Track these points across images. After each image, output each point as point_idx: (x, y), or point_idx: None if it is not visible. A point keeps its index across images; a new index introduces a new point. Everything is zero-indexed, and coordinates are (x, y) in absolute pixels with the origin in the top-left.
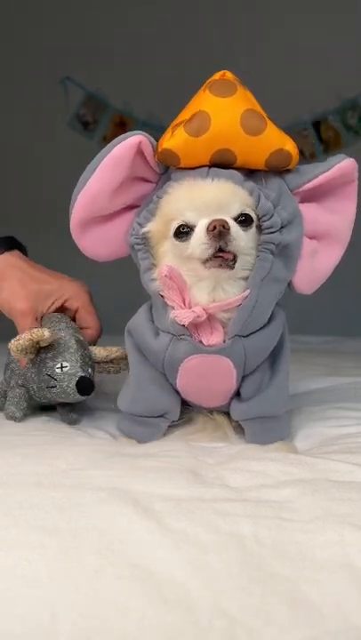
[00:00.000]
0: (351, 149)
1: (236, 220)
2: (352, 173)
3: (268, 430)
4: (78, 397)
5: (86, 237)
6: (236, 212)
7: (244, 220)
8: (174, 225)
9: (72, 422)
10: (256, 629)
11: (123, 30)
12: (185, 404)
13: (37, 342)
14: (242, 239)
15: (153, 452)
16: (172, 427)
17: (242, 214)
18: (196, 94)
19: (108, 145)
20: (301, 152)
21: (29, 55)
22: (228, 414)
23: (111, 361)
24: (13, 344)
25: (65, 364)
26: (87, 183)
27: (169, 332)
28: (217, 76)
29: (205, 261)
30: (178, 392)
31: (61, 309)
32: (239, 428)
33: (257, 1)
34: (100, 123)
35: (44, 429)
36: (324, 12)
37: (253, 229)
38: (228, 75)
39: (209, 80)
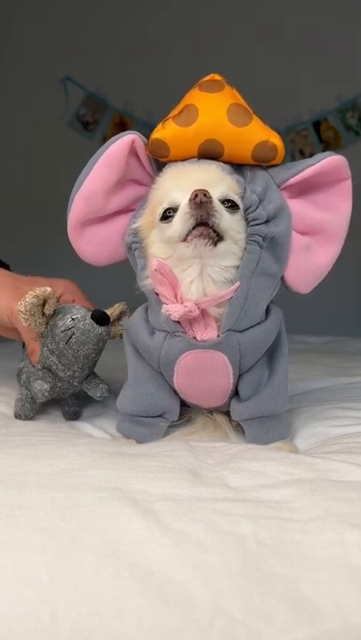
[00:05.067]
0: (351, 149)
1: (221, 202)
2: (341, 170)
3: (268, 430)
4: (98, 331)
5: (83, 240)
6: (221, 193)
7: (229, 206)
8: (160, 209)
9: (73, 417)
10: (256, 629)
11: (122, 30)
12: (184, 405)
13: (43, 302)
14: (225, 219)
15: (153, 452)
16: (172, 427)
17: (227, 200)
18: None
19: (103, 146)
20: (301, 152)
21: (29, 55)
22: (227, 414)
23: (118, 320)
24: (21, 304)
25: (74, 315)
26: (83, 184)
27: (163, 330)
28: (207, 77)
29: (187, 236)
30: (177, 393)
31: None
32: (239, 428)
33: (257, 1)
34: (100, 123)
35: (44, 429)
36: (324, 12)
37: (239, 216)
38: (217, 76)
39: (199, 81)
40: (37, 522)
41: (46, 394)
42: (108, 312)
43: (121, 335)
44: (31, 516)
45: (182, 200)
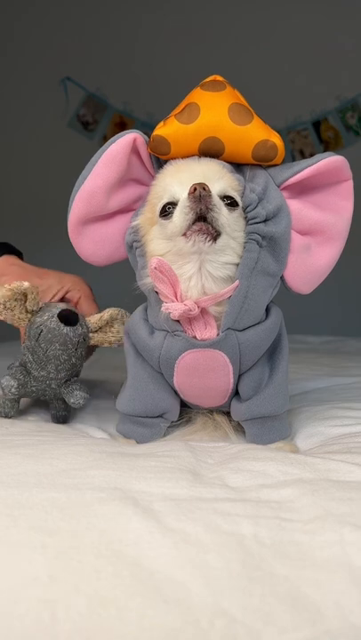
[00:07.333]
0: (351, 149)
1: (220, 198)
2: (342, 171)
3: (268, 430)
4: (64, 331)
5: (83, 238)
6: (220, 189)
7: (228, 204)
8: (160, 205)
9: (60, 421)
10: (256, 629)
11: (123, 31)
12: (184, 405)
13: (22, 296)
14: (224, 215)
15: (153, 452)
16: (172, 427)
17: (226, 196)
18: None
19: (105, 144)
20: (301, 152)
21: (29, 55)
22: (227, 414)
23: (109, 327)
24: None
25: (48, 314)
26: (84, 181)
27: (163, 329)
28: (209, 78)
29: (186, 231)
30: (177, 393)
31: (62, 301)
32: (239, 428)
33: (257, 1)
34: (100, 123)
35: (44, 429)
36: (324, 12)
37: (239, 214)
38: (219, 77)
39: (201, 82)
40: (37, 522)
41: (13, 390)
42: (94, 318)
43: (110, 342)
44: (31, 516)
45: (182, 195)
